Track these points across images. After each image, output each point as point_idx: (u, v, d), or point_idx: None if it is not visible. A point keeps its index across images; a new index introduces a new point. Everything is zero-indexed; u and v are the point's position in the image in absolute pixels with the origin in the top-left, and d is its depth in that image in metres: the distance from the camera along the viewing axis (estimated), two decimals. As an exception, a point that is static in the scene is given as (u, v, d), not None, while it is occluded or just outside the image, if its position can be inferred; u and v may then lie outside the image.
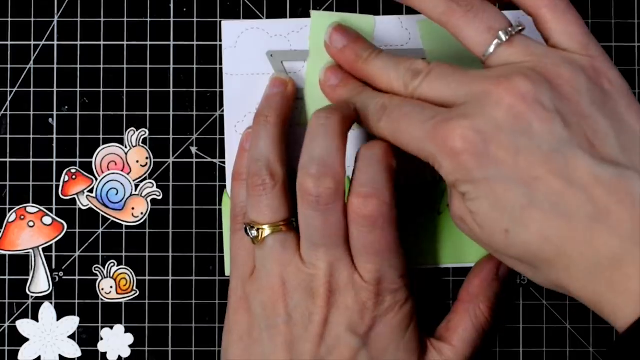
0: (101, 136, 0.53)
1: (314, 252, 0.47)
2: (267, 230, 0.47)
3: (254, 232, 0.48)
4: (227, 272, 0.53)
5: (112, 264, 0.53)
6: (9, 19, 0.53)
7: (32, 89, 0.53)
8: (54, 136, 0.53)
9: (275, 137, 0.49)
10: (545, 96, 0.43)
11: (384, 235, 0.47)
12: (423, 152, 0.45)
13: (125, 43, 0.53)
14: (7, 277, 0.53)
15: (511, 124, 0.42)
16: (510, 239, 0.43)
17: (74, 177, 0.53)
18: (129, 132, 0.53)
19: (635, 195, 0.41)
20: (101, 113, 0.53)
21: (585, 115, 0.43)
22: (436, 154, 0.44)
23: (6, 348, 0.53)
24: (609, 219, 0.41)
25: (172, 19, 0.53)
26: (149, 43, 0.53)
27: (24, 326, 0.53)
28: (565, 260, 0.42)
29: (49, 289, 0.53)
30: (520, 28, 0.45)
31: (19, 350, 0.53)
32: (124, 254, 0.53)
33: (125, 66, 0.53)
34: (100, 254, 0.53)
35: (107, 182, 0.53)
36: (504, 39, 0.44)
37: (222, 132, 0.53)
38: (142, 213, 0.53)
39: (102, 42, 0.53)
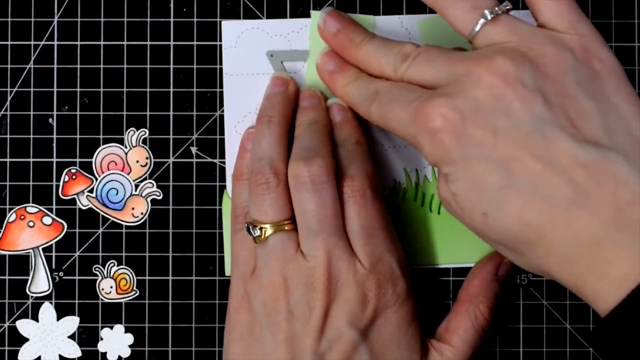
0: (101, 136, 0.53)
1: (313, 240, 0.47)
2: (269, 230, 0.48)
3: (257, 231, 0.48)
4: (228, 272, 0.53)
5: (112, 264, 0.53)
6: (9, 19, 0.53)
7: (32, 89, 0.53)
8: (54, 136, 0.53)
9: (278, 137, 0.49)
10: (526, 75, 0.42)
11: (375, 209, 0.48)
12: (407, 135, 0.45)
13: (125, 43, 0.53)
14: (7, 277, 0.53)
15: (491, 103, 0.42)
16: (489, 222, 0.42)
17: (74, 177, 0.53)
18: (129, 132, 0.53)
19: (617, 178, 0.40)
20: (101, 113, 0.53)
21: (569, 95, 0.42)
22: (417, 134, 0.44)
23: (6, 348, 0.53)
24: (589, 202, 0.40)
25: (172, 19, 0.53)
26: (149, 43, 0.53)
27: (24, 326, 0.53)
28: (545, 244, 0.41)
29: (49, 289, 0.53)
30: (508, 8, 0.45)
31: (19, 350, 0.53)
32: (124, 254, 0.53)
33: (125, 66, 0.53)
34: (100, 254, 0.53)
35: (107, 182, 0.53)
36: (489, 17, 0.44)
37: (222, 132, 0.53)
38: (142, 213, 0.53)
39: (102, 42, 0.53)
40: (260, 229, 0.48)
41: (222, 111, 0.53)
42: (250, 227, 0.48)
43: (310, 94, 0.51)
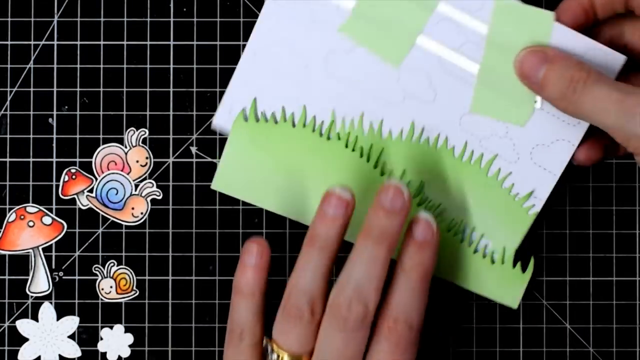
0: (101, 136, 0.53)
1: None
2: (286, 359, 0.46)
3: (274, 356, 0.46)
4: (214, 186, 0.51)
5: (112, 264, 0.53)
6: (9, 19, 0.53)
7: (32, 89, 0.53)
8: (54, 136, 0.53)
9: (325, 271, 0.46)
10: None
11: (403, 358, 0.46)
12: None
13: (125, 43, 0.53)
14: (7, 277, 0.53)
15: None
16: None
17: (73, 177, 0.53)
18: (129, 132, 0.53)
19: None
20: (101, 113, 0.53)
21: None
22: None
23: (6, 348, 0.53)
24: None
25: (172, 19, 0.53)
26: (149, 43, 0.53)
27: (23, 326, 0.53)
28: None
29: (48, 289, 0.53)
30: None
31: (19, 350, 0.53)
32: (123, 254, 0.53)
33: (125, 66, 0.53)
34: (100, 253, 0.53)
35: (107, 182, 0.53)
36: None
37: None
38: (142, 213, 0.53)
39: (102, 42, 0.53)
40: (278, 356, 0.46)
41: (222, 111, 0.53)
42: (269, 346, 0.46)
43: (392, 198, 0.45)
